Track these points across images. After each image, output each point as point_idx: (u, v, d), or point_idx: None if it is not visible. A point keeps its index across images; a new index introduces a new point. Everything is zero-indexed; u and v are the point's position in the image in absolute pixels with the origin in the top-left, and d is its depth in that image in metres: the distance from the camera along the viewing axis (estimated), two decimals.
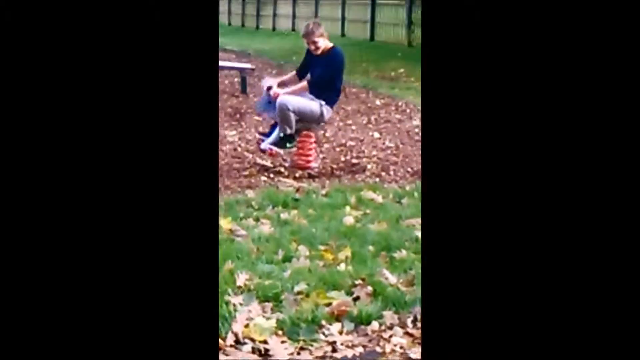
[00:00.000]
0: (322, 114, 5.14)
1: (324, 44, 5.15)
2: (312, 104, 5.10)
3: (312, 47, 5.17)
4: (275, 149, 5.15)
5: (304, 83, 5.18)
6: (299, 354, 2.33)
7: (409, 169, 5.24)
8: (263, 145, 5.20)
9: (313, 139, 5.37)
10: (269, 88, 5.18)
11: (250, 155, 5.71)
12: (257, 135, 5.52)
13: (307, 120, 5.17)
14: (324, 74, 5.11)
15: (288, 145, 5.18)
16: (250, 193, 4.46)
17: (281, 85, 5.26)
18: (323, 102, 5.12)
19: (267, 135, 5.26)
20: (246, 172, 5.14)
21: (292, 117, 5.03)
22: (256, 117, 7.48)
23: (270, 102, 5.14)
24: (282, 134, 5.10)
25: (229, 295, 2.68)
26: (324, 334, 2.44)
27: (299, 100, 5.08)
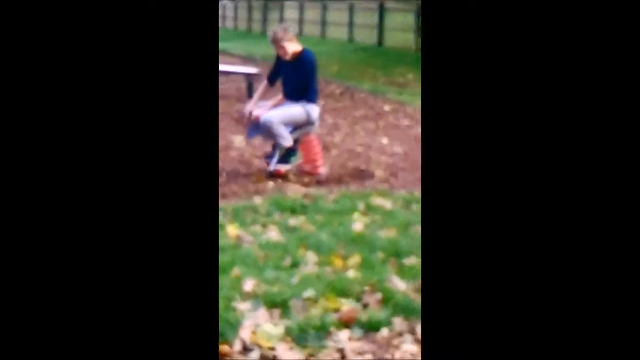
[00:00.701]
0: (308, 114, 5.13)
1: (293, 48, 5.15)
2: (294, 110, 5.11)
3: (281, 53, 5.18)
4: (282, 167, 5.15)
5: (279, 97, 5.22)
6: None
7: (418, 175, 5.21)
8: (270, 168, 5.19)
9: (315, 142, 5.34)
10: (250, 113, 5.19)
11: (258, 161, 5.69)
12: (265, 159, 5.48)
13: (299, 126, 5.16)
14: (297, 80, 5.13)
15: (292, 159, 5.20)
16: (257, 199, 4.43)
17: (258, 101, 5.27)
18: (304, 102, 5.12)
19: (272, 155, 5.24)
20: (253, 178, 5.12)
21: (282, 129, 5.03)
22: None
23: (258, 125, 5.14)
24: (282, 149, 5.10)
25: (236, 301, 2.66)
26: (332, 340, 2.41)
27: (280, 112, 5.09)
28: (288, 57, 5.15)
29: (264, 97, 5.42)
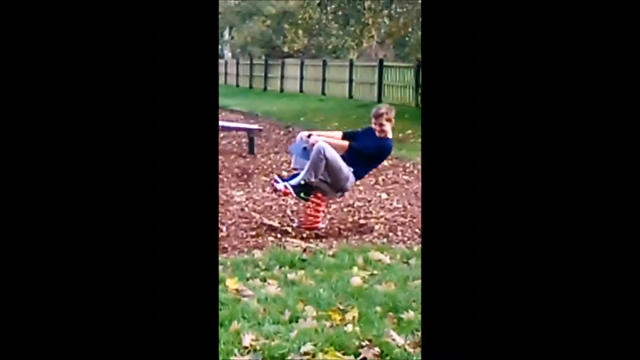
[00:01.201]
0: (348, 179, 5.16)
1: (389, 127, 5.26)
2: (343, 164, 5.13)
3: (378, 129, 5.25)
4: (290, 189, 5.15)
5: (346, 143, 5.24)
6: None
7: (417, 230, 5.24)
8: (279, 185, 5.20)
9: (324, 203, 5.38)
10: (309, 135, 5.24)
11: (258, 216, 5.74)
12: (274, 177, 5.51)
13: (332, 179, 5.14)
14: (369, 148, 5.19)
15: (302, 195, 5.18)
16: (257, 253, 4.46)
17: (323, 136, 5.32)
18: (352, 169, 5.17)
19: (289, 178, 5.27)
20: (253, 232, 5.15)
21: (322, 166, 5.04)
22: (263, 178, 7.54)
23: (305, 148, 5.17)
24: (304, 180, 5.11)
25: (235, 355, 2.66)
26: None
27: (336, 155, 5.12)
28: (382, 135, 5.24)
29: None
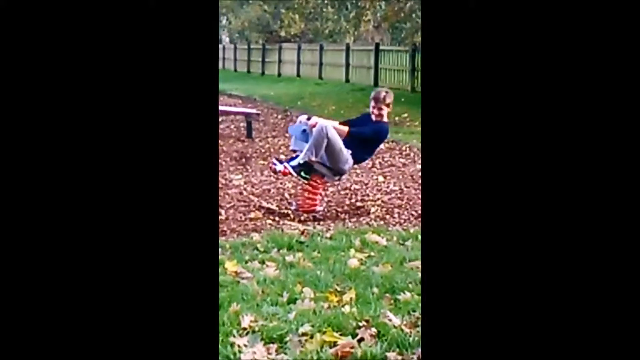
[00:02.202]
0: (347, 161, 5.19)
1: (387, 111, 5.29)
2: (343, 147, 5.16)
3: (376, 112, 5.27)
4: (290, 169, 5.17)
5: (346, 128, 5.24)
6: None
7: (413, 212, 5.28)
8: (278, 167, 5.22)
9: (322, 186, 5.42)
10: (309, 118, 5.26)
11: (256, 199, 5.77)
12: (273, 159, 5.53)
13: (331, 161, 5.17)
14: (366, 132, 5.23)
15: (303, 174, 5.20)
16: (255, 236, 4.49)
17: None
18: (350, 151, 5.20)
19: (289, 160, 5.29)
20: (252, 215, 5.18)
21: (324, 145, 5.06)
22: (261, 162, 7.57)
23: (305, 130, 5.19)
24: (304, 160, 5.13)
25: (234, 336, 2.70)
26: None
27: (337, 136, 5.14)
28: (380, 119, 5.26)
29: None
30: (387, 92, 5.40)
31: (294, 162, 5.19)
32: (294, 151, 5.41)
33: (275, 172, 5.34)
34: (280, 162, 5.32)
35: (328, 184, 5.69)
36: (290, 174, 5.21)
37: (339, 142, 5.12)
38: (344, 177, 6.75)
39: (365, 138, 5.25)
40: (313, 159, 5.10)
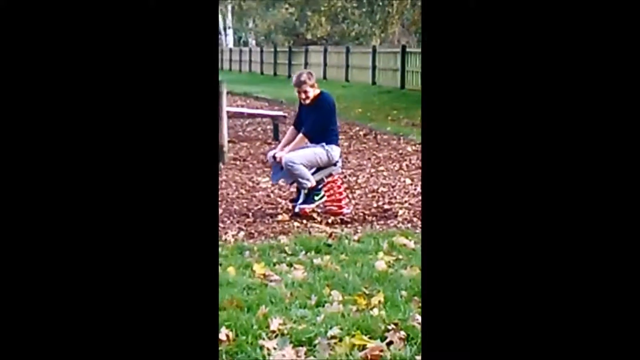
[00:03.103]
0: (328, 153, 5.24)
1: (313, 93, 5.29)
2: (315, 150, 5.23)
3: (303, 96, 5.30)
4: (307, 207, 5.24)
5: (300, 136, 5.29)
6: None
7: None
8: (297, 209, 5.29)
9: (339, 183, 5.45)
10: (274, 157, 5.31)
11: (283, 202, 5.78)
12: (291, 204, 5.56)
13: (321, 166, 5.26)
14: (316, 120, 5.25)
15: (316, 198, 5.27)
16: (283, 239, 4.51)
17: (285, 146, 5.35)
18: (324, 144, 5.22)
19: (297, 198, 5.35)
20: (279, 218, 5.20)
21: (303, 169, 5.14)
22: None
23: (282, 168, 5.25)
24: (305, 190, 5.19)
25: (263, 339, 2.71)
26: None
27: (301, 152, 5.21)
28: (308, 102, 5.28)
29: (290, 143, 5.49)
30: (306, 74, 5.37)
31: (301, 199, 5.26)
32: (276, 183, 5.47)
33: (300, 216, 5.33)
34: (295, 203, 5.34)
35: (341, 177, 5.69)
36: (311, 209, 5.25)
37: (309, 154, 5.19)
38: (370, 179, 6.75)
39: (319, 124, 5.24)
40: (312, 183, 5.17)
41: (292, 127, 5.55)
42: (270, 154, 5.45)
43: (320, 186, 5.28)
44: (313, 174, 5.22)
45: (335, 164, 5.34)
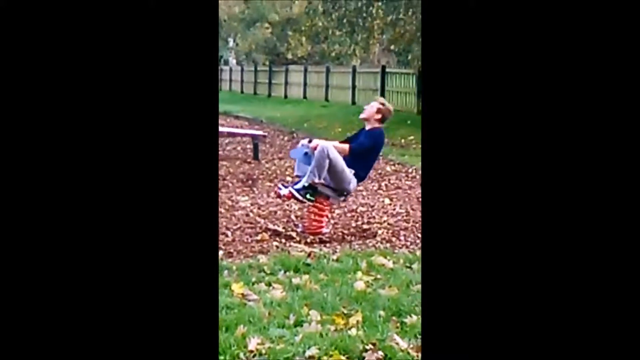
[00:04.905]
0: (350, 182, 5.23)
1: (376, 119, 5.36)
2: (345, 166, 5.21)
3: (373, 120, 5.36)
4: (294, 192, 5.20)
5: (347, 145, 5.33)
6: None
7: (419, 235, 5.28)
8: (283, 191, 5.25)
9: (328, 208, 5.44)
10: (310, 140, 5.30)
11: (262, 221, 5.78)
12: (278, 185, 5.56)
13: (335, 182, 5.20)
14: (365, 142, 5.30)
15: (308, 197, 5.23)
16: (262, 258, 4.51)
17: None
18: (353, 171, 5.23)
19: (293, 184, 5.33)
20: (258, 237, 5.20)
21: (326, 166, 5.10)
22: (268, 183, 7.59)
23: (307, 153, 5.23)
24: (308, 182, 5.16)
25: (241, 359, 2.70)
26: None
27: (338, 155, 5.19)
28: (370, 125, 5.35)
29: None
30: (382, 104, 5.45)
31: (298, 185, 5.23)
32: (298, 176, 5.44)
33: (280, 196, 5.37)
34: (285, 186, 5.34)
35: (334, 206, 5.71)
36: (295, 197, 5.23)
37: (341, 162, 5.17)
38: (349, 199, 6.77)
39: (365, 149, 5.29)
40: (316, 180, 5.13)
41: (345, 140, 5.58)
42: (307, 139, 5.43)
43: (314, 195, 5.25)
44: (326, 185, 5.20)
45: (344, 194, 5.34)
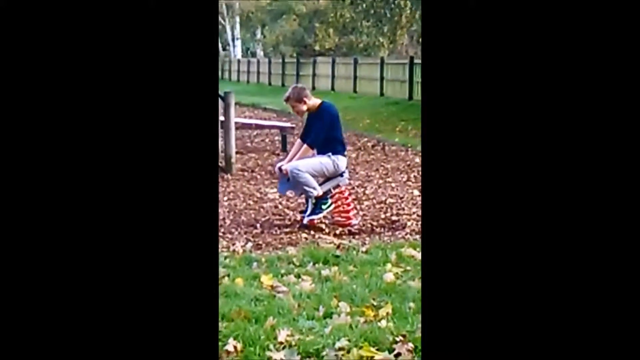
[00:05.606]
0: (334, 163, 5.25)
1: (309, 105, 5.32)
2: (320, 159, 5.25)
3: (295, 111, 5.44)
4: (315, 217, 5.25)
5: (305, 147, 5.32)
6: None
7: None
8: (305, 221, 5.29)
9: (346, 194, 5.45)
10: (280, 169, 5.32)
11: (291, 213, 5.79)
12: (299, 215, 5.57)
13: (328, 176, 5.28)
14: (319, 130, 5.27)
15: (323, 207, 5.28)
16: (291, 250, 4.51)
17: (291, 159, 5.37)
18: (330, 154, 5.23)
19: (305, 210, 5.36)
20: (287, 229, 5.20)
21: (309, 177, 5.15)
22: None
23: (288, 179, 5.26)
24: (312, 199, 5.20)
25: (271, 350, 2.71)
26: None
27: (306, 161, 5.23)
28: (302, 115, 5.44)
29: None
30: (292, 90, 5.43)
31: (309, 211, 5.27)
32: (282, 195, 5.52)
33: (308, 227, 5.33)
34: (304, 216, 5.34)
35: (349, 188, 5.69)
36: (319, 219, 5.26)
37: (314, 163, 5.21)
38: (378, 191, 6.74)
39: (323, 134, 5.26)
40: (318, 192, 5.18)
41: (299, 139, 5.57)
42: (278, 165, 5.47)
43: (328, 195, 5.28)
44: (320, 184, 5.23)
45: (341, 175, 5.34)
